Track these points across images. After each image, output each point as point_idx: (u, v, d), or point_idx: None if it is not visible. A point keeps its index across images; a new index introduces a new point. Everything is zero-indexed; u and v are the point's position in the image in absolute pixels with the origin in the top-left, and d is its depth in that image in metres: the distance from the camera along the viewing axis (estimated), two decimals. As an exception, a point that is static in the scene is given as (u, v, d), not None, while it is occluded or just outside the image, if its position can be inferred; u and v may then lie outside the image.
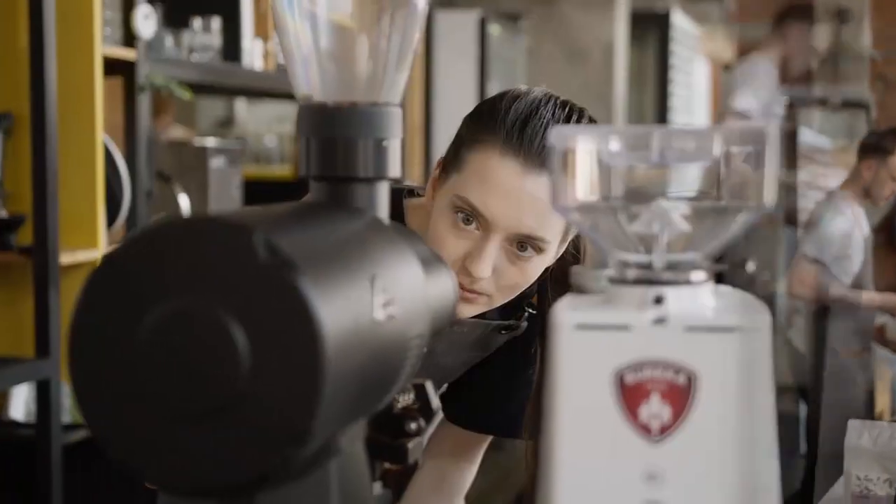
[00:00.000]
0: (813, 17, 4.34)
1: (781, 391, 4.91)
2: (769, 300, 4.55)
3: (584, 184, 0.74)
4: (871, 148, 4.16)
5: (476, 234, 1.27)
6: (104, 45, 2.59)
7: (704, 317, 0.70)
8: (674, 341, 0.70)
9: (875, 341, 4.38)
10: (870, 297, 4.19)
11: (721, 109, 4.39)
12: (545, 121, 1.25)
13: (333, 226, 0.75)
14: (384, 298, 0.72)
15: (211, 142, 3.14)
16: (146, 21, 2.67)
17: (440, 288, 0.89)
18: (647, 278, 0.72)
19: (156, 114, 3.55)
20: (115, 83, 2.72)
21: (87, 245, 2.53)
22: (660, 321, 0.70)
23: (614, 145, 0.73)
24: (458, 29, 5.19)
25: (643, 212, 0.73)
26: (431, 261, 0.89)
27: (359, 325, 0.67)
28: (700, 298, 0.72)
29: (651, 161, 0.72)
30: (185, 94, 2.79)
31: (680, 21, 7.61)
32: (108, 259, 0.65)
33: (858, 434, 1.94)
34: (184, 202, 2.96)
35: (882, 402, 4.52)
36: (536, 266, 1.30)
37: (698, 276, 0.72)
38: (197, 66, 3.00)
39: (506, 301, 1.33)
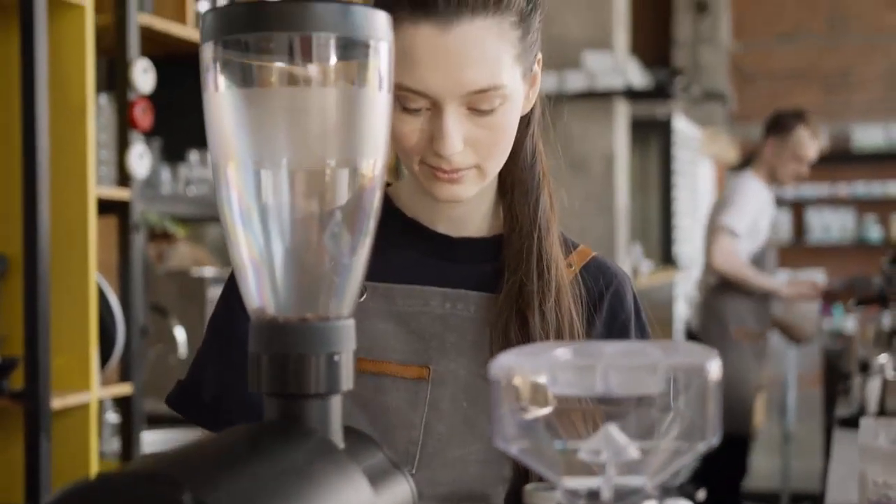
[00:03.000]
0: (790, 128, 4.33)
1: None
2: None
3: (528, 414, 0.73)
4: (772, 127, 4.26)
5: (427, 114, 1.17)
6: (99, 186, 2.61)
7: (653, 554, 0.68)
8: (622, 581, 0.68)
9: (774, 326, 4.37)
10: (781, 284, 4.20)
11: (711, 225, 4.37)
12: None
13: (275, 461, 0.73)
14: (327, 536, 0.71)
15: (209, 271, 3.15)
16: (141, 160, 2.70)
17: (394, 499, 0.87)
18: (596, 511, 0.70)
19: (167, 237, 3.57)
20: (109, 221, 2.73)
21: (80, 388, 2.52)
22: (607, 560, 0.68)
23: (559, 377, 0.72)
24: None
25: (591, 439, 0.72)
26: (386, 471, 0.88)
27: (297, 573, 0.66)
28: (650, 531, 0.70)
29: (595, 392, 0.71)
30: (180, 232, 2.80)
31: (682, 125, 7.68)
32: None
33: (873, 433, 1.75)
34: (180, 335, 2.96)
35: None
36: (507, 115, 1.19)
37: (648, 505, 0.71)
38: (193, 201, 3.02)
39: (500, 166, 1.22)
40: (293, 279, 0.84)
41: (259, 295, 0.84)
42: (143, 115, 2.71)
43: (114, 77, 2.80)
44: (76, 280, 2.52)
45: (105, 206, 2.67)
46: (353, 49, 0.81)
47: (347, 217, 0.84)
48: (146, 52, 2.83)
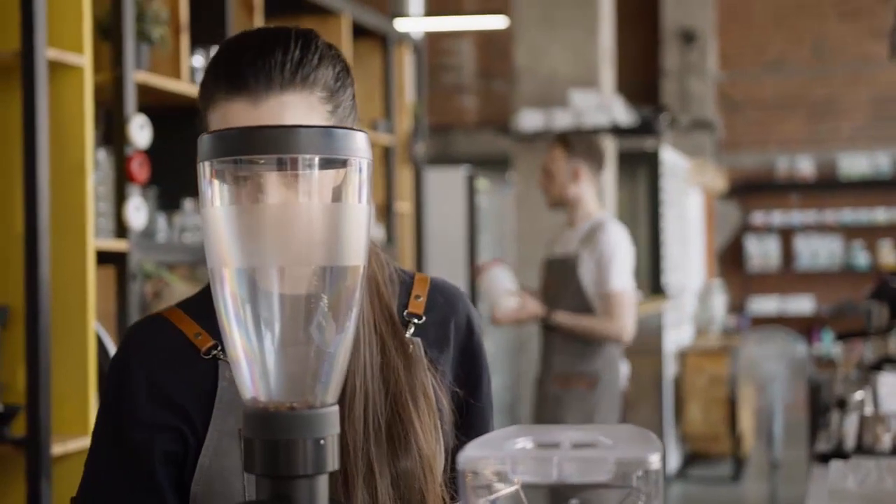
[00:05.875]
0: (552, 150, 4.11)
1: None
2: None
3: (492, 497, 0.82)
4: None
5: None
6: (97, 238, 2.70)
7: None
8: None
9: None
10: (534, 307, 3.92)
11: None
12: (254, 44, 1.24)
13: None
14: None
15: (203, 314, 3.23)
16: (137, 213, 2.79)
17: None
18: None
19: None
20: (108, 271, 2.82)
21: (79, 433, 2.60)
22: None
23: (519, 466, 0.81)
24: (448, 185, 5.36)
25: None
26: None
27: None
28: None
29: (551, 480, 0.80)
30: (174, 280, 2.89)
31: (669, 156, 7.79)
32: None
33: (843, 476, 1.85)
34: (176, 379, 3.04)
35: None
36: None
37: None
38: (188, 248, 3.12)
39: None
40: (282, 371, 0.93)
41: (252, 385, 0.93)
42: (140, 169, 2.81)
43: (111, 130, 2.90)
44: (76, 329, 2.61)
45: (103, 257, 2.76)
46: (334, 167, 0.91)
47: (332, 311, 0.94)
48: (142, 103, 2.93)
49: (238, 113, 1.22)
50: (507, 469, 0.81)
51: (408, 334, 1.33)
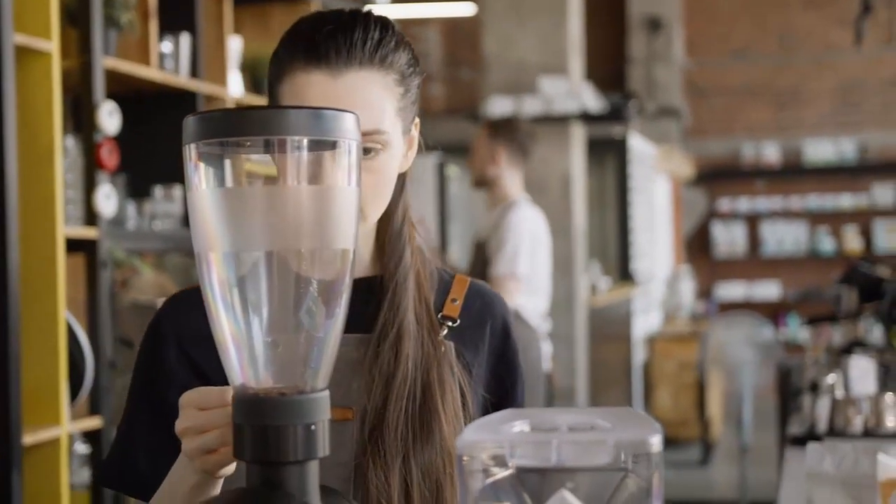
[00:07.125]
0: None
1: None
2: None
3: (490, 481, 0.81)
4: None
5: None
6: (67, 225, 2.67)
7: None
8: None
9: None
10: None
11: None
12: (333, 21, 1.25)
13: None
14: None
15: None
16: (107, 200, 2.76)
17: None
18: (550, 571, 0.78)
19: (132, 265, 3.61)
20: (77, 259, 2.79)
21: (51, 423, 2.57)
22: None
23: (517, 450, 0.80)
24: (417, 172, 5.34)
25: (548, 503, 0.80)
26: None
27: None
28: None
29: (550, 464, 0.79)
30: (144, 268, 2.86)
31: (637, 143, 7.81)
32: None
33: (819, 458, 1.84)
34: (147, 368, 3.00)
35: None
36: (387, 163, 1.25)
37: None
38: (158, 235, 3.08)
39: (379, 213, 1.28)
40: (272, 356, 0.91)
41: (241, 371, 0.92)
42: (110, 156, 2.77)
43: (80, 117, 2.86)
44: (46, 318, 2.57)
45: (73, 245, 2.73)
46: (323, 149, 0.89)
47: (321, 295, 0.92)
48: (110, 90, 2.89)
49: (316, 85, 1.22)
50: (506, 453, 0.80)
51: (441, 336, 1.32)
